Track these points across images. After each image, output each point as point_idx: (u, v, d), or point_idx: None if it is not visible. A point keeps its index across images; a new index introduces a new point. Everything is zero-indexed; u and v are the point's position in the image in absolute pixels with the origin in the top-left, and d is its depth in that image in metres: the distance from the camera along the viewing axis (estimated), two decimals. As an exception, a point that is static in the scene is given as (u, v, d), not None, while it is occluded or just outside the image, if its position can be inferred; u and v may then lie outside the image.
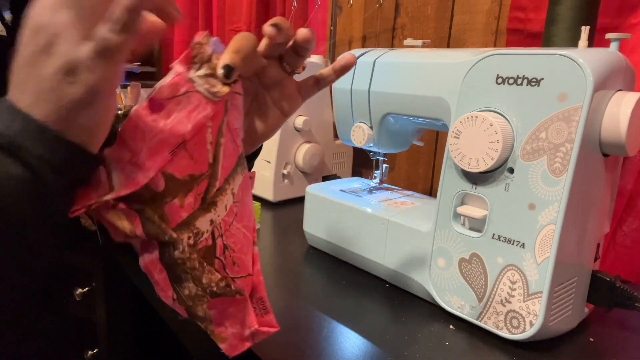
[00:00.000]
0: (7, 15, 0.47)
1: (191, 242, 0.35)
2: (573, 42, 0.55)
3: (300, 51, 0.40)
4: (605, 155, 0.48)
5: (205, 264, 0.36)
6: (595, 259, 0.53)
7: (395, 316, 0.56)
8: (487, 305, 0.51)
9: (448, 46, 0.91)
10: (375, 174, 0.75)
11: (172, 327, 0.66)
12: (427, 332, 0.52)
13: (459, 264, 0.53)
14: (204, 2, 1.59)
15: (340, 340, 0.50)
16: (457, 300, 0.54)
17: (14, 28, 0.46)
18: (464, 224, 0.54)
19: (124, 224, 0.33)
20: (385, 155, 0.73)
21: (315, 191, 0.72)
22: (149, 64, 1.91)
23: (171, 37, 1.75)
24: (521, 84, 0.48)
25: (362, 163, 1.09)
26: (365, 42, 1.09)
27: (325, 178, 1.01)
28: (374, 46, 1.05)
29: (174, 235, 0.34)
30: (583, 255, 0.51)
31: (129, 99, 1.27)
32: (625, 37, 0.49)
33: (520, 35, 0.76)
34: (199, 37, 0.34)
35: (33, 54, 0.27)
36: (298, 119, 0.93)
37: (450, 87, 0.54)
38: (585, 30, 0.49)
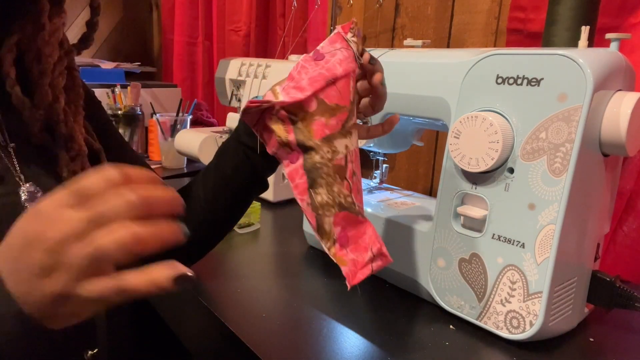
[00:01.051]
0: None
1: (329, 155, 0.44)
2: (573, 42, 0.55)
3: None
4: (605, 155, 0.48)
5: (338, 177, 0.45)
6: (595, 259, 0.53)
7: (395, 316, 0.56)
8: (487, 305, 0.51)
9: (448, 46, 0.91)
10: (375, 174, 0.75)
11: (172, 327, 0.66)
12: (427, 332, 0.52)
13: (459, 264, 0.53)
14: (204, 2, 1.59)
15: (340, 340, 0.50)
16: (457, 300, 0.54)
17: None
18: (464, 224, 0.54)
19: (280, 130, 0.45)
20: (385, 155, 0.73)
21: (315, 191, 0.72)
22: (149, 64, 1.91)
23: (171, 37, 1.75)
24: (521, 84, 0.48)
25: (362, 163, 1.09)
26: (365, 42, 1.09)
27: (325, 178, 1.01)
28: (374, 46, 1.05)
29: (318, 142, 0.44)
30: (583, 255, 0.51)
31: (129, 98, 1.26)
32: (625, 37, 0.49)
33: (520, 35, 0.76)
34: (355, 20, 0.48)
35: (32, 270, 0.29)
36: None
37: (450, 87, 0.54)
38: (585, 30, 0.49)
